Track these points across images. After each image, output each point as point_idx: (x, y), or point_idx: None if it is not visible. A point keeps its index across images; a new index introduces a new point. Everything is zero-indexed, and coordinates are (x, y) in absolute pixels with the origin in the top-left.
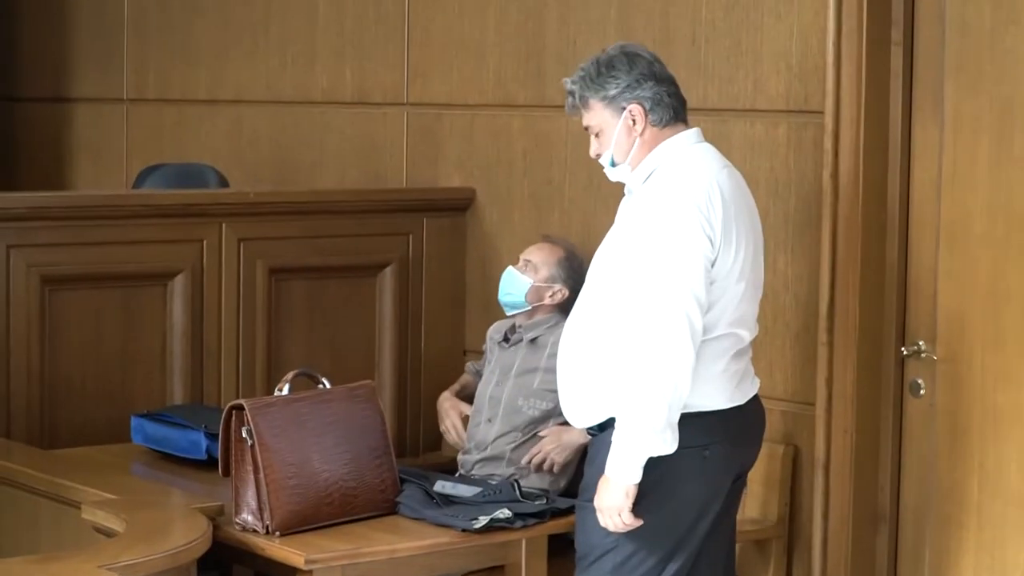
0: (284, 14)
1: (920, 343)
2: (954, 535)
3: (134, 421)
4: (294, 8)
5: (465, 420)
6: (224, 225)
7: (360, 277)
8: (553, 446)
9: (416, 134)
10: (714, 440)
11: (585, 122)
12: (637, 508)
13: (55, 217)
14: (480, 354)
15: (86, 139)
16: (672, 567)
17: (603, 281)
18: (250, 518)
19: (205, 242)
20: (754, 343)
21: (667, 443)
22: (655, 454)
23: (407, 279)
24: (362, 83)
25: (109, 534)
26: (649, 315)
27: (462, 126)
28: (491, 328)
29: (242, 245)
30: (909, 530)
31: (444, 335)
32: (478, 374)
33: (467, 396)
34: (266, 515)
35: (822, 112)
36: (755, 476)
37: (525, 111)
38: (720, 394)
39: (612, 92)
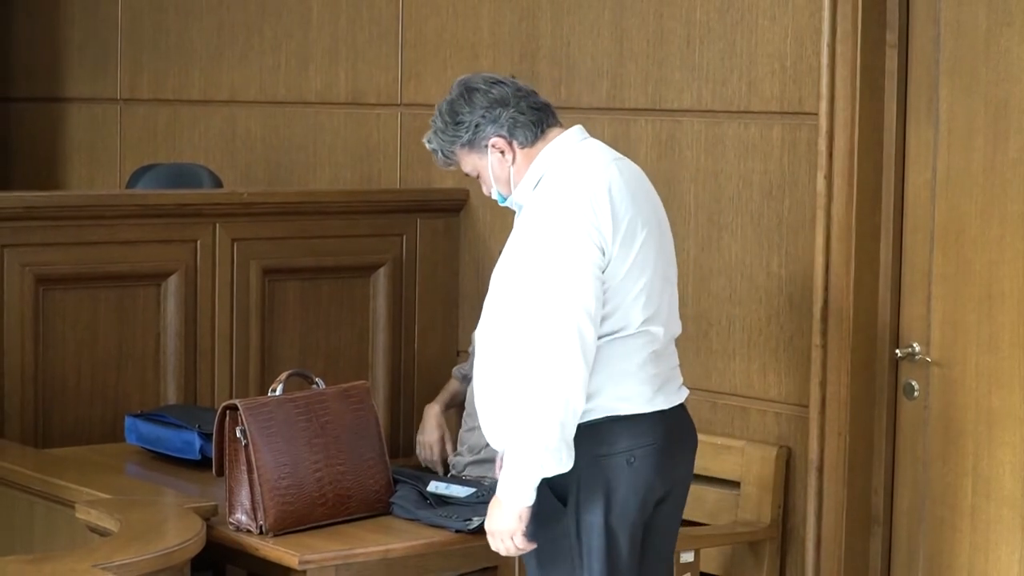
0: (278, 15)
1: (914, 345)
2: (948, 537)
3: (128, 421)
4: (288, 9)
5: (443, 442)
6: (218, 225)
7: (353, 278)
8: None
9: (410, 135)
10: (639, 445)
11: (462, 170)
12: (578, 525)
13: (49, 217)
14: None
15: (80, 139)
16: None
17: (501, 297)
18: (244, 518)
19: (199, 242)
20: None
21: (561, 461)
22: (549, 474)
23: (400, 280)
24: (356, 84)
25: (103, 534)
26: (537, 329)
27: None
28: (477, 330)
29: (236, 245)
30: (903, 532)
31: (437, 336)
32: (465, 378)
33: (457, 404)
34: (260, 515)
35: (816, 114)
36: (749, 478)
37: None
38: (639, 396)
39: (466, 137)
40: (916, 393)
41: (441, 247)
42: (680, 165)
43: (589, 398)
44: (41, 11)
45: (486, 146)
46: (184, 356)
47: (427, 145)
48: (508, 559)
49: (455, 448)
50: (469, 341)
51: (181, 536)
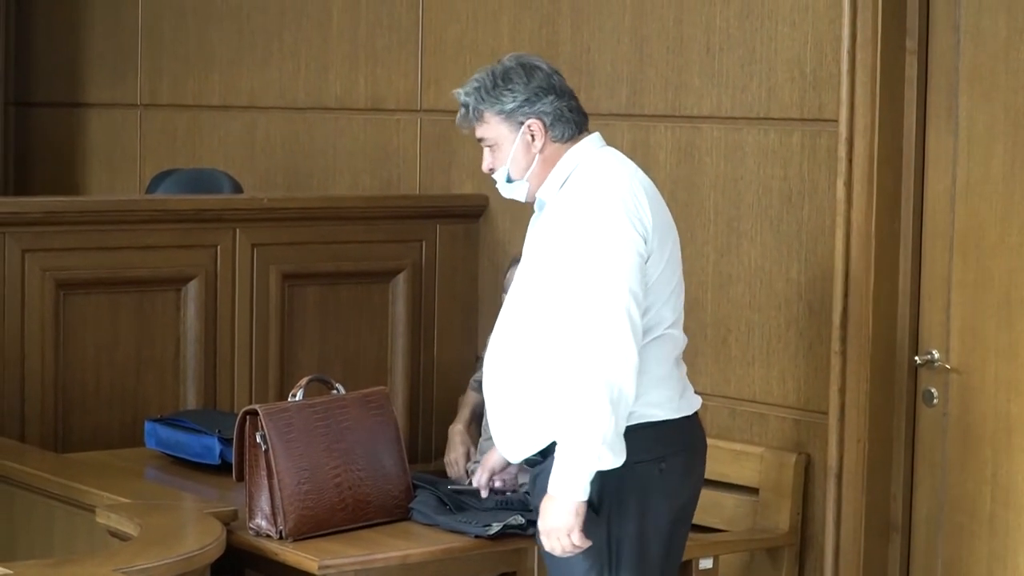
0: (298, 21)
1: (933, 352)
2: (966, 545)
3: (148, 426)
4: (308, 15)
5: (468, 456)
6: (238, 231)
7: (373, 283)
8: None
9: (429, 141)
10: (668, 452)
11: (478, 134)
12: (611, 534)
13: (69, 222)
14: None
15: (100, 144)
16: None
17: (526, 304)
18: (264, 523)
19: (219, 247)
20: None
21: (617, 453)
22: (604, 467)
23: (420, 285)
24: (376, 90)
25: (123, 538)
26: (588, 317)
27: None
28: (491, 341)
29: (255, 251)
30: (921, 539)
31: (456, 341)
32: (481, 387)
33: (478, 416)
34: (279, 520)
35: (836, 120)
36: (768, 484)
37: None
38: (668, 402)
39: (509, 106)
40: (935, 400)
41: (460, 253)
42: (699, 172)
43: None
44: (61, 17)
45: (522, 123)
46: (204, 361)
47: (459, 96)
48: (527, 565)
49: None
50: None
51: (201, 541)
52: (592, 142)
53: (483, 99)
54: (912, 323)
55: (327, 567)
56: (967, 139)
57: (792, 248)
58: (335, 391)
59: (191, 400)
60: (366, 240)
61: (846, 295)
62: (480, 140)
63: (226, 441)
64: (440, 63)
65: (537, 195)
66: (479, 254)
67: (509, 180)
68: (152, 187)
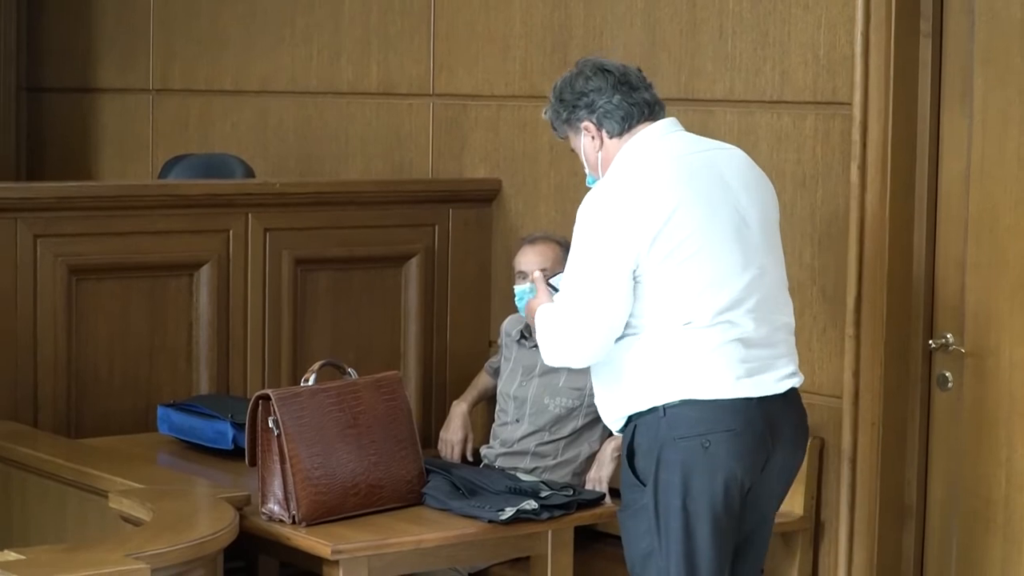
0: (310, 5)
1: (947, 336)
2: (981, 528)
3: (160, 411)
4: (320, 0)
5: (465, 443)
6: (250, 216)
7: (385, 268)
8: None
9: (442, 125)
10: (716, 430)
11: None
12: (662, 507)
13: (81, 207)
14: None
15: (112, 129)
16: (708, 567)
17: None
18: (276, 508)
19: (231, 232)
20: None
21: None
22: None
23: (432, 270)
24: (388, 74)
25: (136, 523)
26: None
27: (488, 118)
28: (505, 323)
29: (268, 236)
30: (936, 524)
31: (469, 326)
32: (496, 372)
33: (487, 399)
34: (292, 505)
35: (850, 104)
36: None
37: None
38: (717, 382)
39: (565, 115)
40: (950, 384)
41: (473, 237)
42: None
43: (668, 384)
44: (73, 2)
45: (580, 127)
46: (216, 346)
47: (544, 116)
48: (541, 550)
49: (476, 448)
50: (500, 332)
51: (214, 526)
52: (651, 133)
53: (553, 116)
54: (926, 307)
55: (340, 552)
56: (981, 122)
57: (805, 232)
58: (347, 376)
59: (203, 385)
60: (378, 225)
61: (860, 279)
62: (572, 151)
63: (239, 426)
64: (452, 48)
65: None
66: (491, 239)
67: (593, 180)
68: (164, 172)
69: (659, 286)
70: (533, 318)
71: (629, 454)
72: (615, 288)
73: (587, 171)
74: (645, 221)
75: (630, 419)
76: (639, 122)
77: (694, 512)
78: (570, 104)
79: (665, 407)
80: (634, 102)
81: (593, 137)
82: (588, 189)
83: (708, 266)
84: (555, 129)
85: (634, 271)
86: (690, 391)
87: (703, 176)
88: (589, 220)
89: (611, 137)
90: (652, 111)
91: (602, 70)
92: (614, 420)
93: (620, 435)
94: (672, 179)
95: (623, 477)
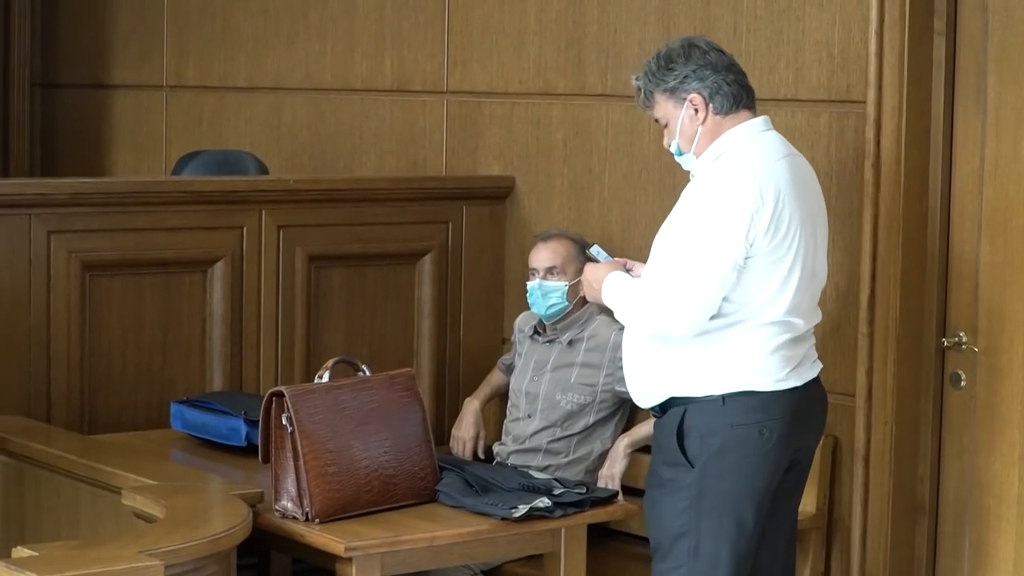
0: (324, 1)
1: (961, 334)
2: (993, 527)
3: (173, 407)
4: None
5: (476, 440)
6: (263, 212)
7: (399, 265)
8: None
9: (456, 122)
10: (770, 418)
11: (654, 115)
12: (706, 489)
13: (95, 203)
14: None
15: (125, 126)
16: (740, 548)
17: (649, 266)
18: (290, 505)
19: (245, 229)
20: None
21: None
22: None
23: (446, 267)
24: (402, 71)
25: (149, 520)
26: (673, 277)
27: (502, 114)
28: (519, 319)
29: (281, 232)
30: (948, 522)
31: (483, 323)
32: (509, 369)
33: (500, 396)
34: (306, 502)
35: (864, 102)
36: None
37: (565, 100)
38: (773, 376)
39: (671, 84)
40: (963, 382)
41: (487, 234)
42: None
43: (729, 374)
44: None
45: (684, 98)
46: (230, 343)
47: (634, 82)
48: (554, 547)
49: (488, 445)
50: (513, 329)
51: (227, 523)
52: (751, 127)
53: (650, 81)
54: (940, 305)
55: (353, 549)
56: (995, 120)
57: None
58: (361, 373)
59: (217, 382)
60: (392, 222)
61: (873, 277)
62: (656, 121)
63: (252, 423)
64: (466, 44)
65: (692, 166)
66: (505, 235)
67: (680, 153)
68: (178, 169)
69: (750, 278)
70: (598, 285)
71: (679, 435)
72: (728, 266)
73: (674, 143)
74: (765, 211)
75: (674, 400)
76: (743, 107)
77: (744, 495)
78: (679, 74)
79: (725, 396)
80: (744, 85)
81: (697, 110)
82: (601, 186)
83: (791, 267)
84: (644, 97)
85: (745, 257)
86: (751, 383)
87: (800, 180)
88: (715, 196)
89: (716, 113)
90: (752, 100)
91: (718, 49)
92: (650, 396)
93: (650, 421)
94: (785, 177)
95: (663, 456)
